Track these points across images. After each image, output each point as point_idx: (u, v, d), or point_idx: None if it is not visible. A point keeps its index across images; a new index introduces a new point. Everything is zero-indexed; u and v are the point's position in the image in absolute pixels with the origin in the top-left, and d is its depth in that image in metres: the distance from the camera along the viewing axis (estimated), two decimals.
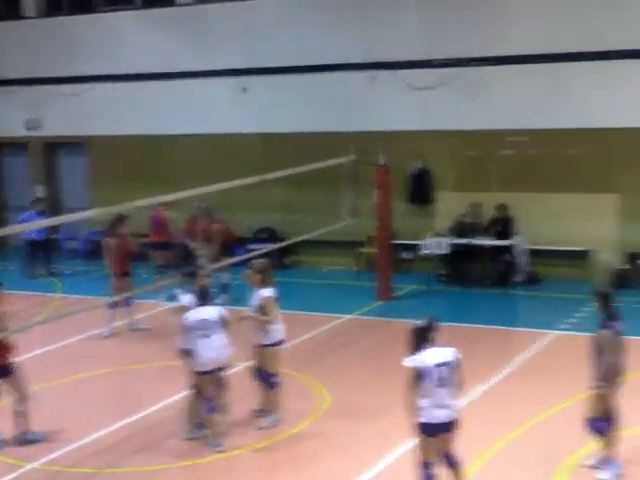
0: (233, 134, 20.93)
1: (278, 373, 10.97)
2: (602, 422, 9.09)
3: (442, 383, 8.22)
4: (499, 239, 18.06)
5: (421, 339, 8.34)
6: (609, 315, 9.08)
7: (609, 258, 17.72)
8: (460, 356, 8.40)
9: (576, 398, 10.18)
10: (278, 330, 10.91)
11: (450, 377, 8.29)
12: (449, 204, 18.95)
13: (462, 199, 18.77)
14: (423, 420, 8.26)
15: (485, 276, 18.07)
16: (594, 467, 9.26)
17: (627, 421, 9.46)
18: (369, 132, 19.24)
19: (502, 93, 18.60)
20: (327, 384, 12.36)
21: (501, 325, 15.45)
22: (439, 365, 8.24)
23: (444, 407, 8.24)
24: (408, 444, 9.25)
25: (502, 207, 18.24)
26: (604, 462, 9.17)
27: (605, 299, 9.17)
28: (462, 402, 8.46)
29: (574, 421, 9.61)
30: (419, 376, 8.20)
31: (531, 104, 18.28)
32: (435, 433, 8.30)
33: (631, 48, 17.44)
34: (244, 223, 20.36)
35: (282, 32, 20.39)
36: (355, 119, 19.64)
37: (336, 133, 19.49)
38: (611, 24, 17.54)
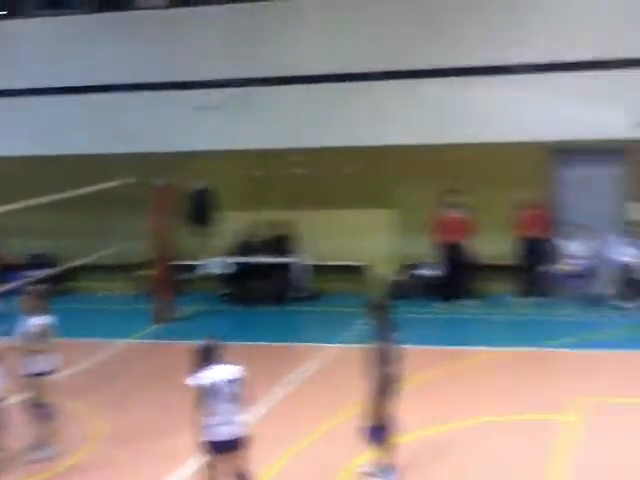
0: (8, 156, 20.05)
1: (52, 403, 10.49)
2: (378, 430, 9.24)
3: (229, 400, 8.16)
4: (280, 257, 18.21)
5: (205, 358, 8.29)
6: (385, 326, 9.26)
7: (386, 271, 18.25)
8: (244, 374, 8.36)
9: (354, 409, 10.32)
10: (51, 359, 10.50)
11: (236, 394, 8.25)
12: (232, 223, 18.91)
13: (245, 218, 18.82)
14: (209, 438, 8.15)
15: (266, 294, 18.15)
16: (371, 475, 9.40)
17: (405, 427, 9.68)
18: (155, 153, 18.94)
19: (283, 113, 18.88)
20: (105, 411, 11.97)
21: (281, 342, 15.57)
22: (225, 382, 8.18)
23: (230, 424, 8.16)
24: (193, 465, 9.05)
25: (281, 225, 18.40)
26: (382, 469, 9.32)
27: (381, 311, 9.36)
28: (247, 419, 8.37)
29: (353, 431, 9.72)
30: (204, 394, 8.11)
31: (310, 123, 18.68)
32: (221, 451, 8.19)
33: (415, 69, 18.14)
34: (16, 249, 19.50)
35: (61, 51, 19.93)
36: (140, 140, 19.29)
37: (121, 154, 19.08)
38: (399, 44, 18.17)
